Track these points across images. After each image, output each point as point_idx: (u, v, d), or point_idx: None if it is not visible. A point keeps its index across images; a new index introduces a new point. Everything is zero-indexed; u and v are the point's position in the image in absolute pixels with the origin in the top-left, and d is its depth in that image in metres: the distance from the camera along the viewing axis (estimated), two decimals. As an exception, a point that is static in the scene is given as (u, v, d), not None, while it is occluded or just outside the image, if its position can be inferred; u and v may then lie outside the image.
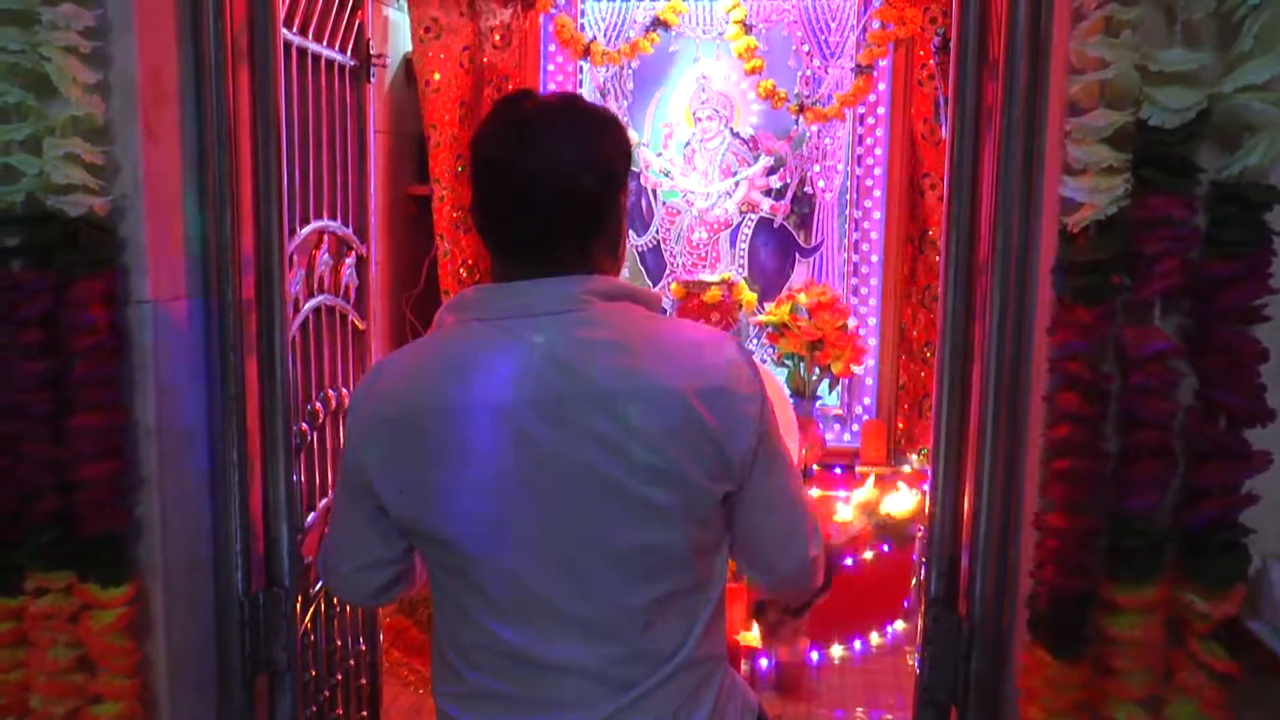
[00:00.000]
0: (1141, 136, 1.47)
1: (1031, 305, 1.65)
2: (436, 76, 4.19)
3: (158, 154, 1.79)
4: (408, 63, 4.32)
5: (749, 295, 4.37)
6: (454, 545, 1.28)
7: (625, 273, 4.46)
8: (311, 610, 2.25)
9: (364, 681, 2.60)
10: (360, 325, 2.48)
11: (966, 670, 1.78)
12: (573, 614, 1.27)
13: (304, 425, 2.20)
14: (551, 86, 4.36)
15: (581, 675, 1.29)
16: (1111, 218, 1.47)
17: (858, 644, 3.82)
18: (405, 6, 4.20)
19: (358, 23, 2.36)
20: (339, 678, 2.44)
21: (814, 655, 3.64)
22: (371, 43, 2.43)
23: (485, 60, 4.32)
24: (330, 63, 2.27)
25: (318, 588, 2.27)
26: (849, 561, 3.73)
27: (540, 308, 1.26)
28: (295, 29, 2.07)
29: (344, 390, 2.41)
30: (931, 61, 4.11)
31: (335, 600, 2.38)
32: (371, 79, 2.45)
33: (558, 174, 1.25)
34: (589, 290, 1.27)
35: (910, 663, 3.44)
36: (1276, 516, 1.52)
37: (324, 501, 2.31)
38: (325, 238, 2.28)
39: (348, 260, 2.40)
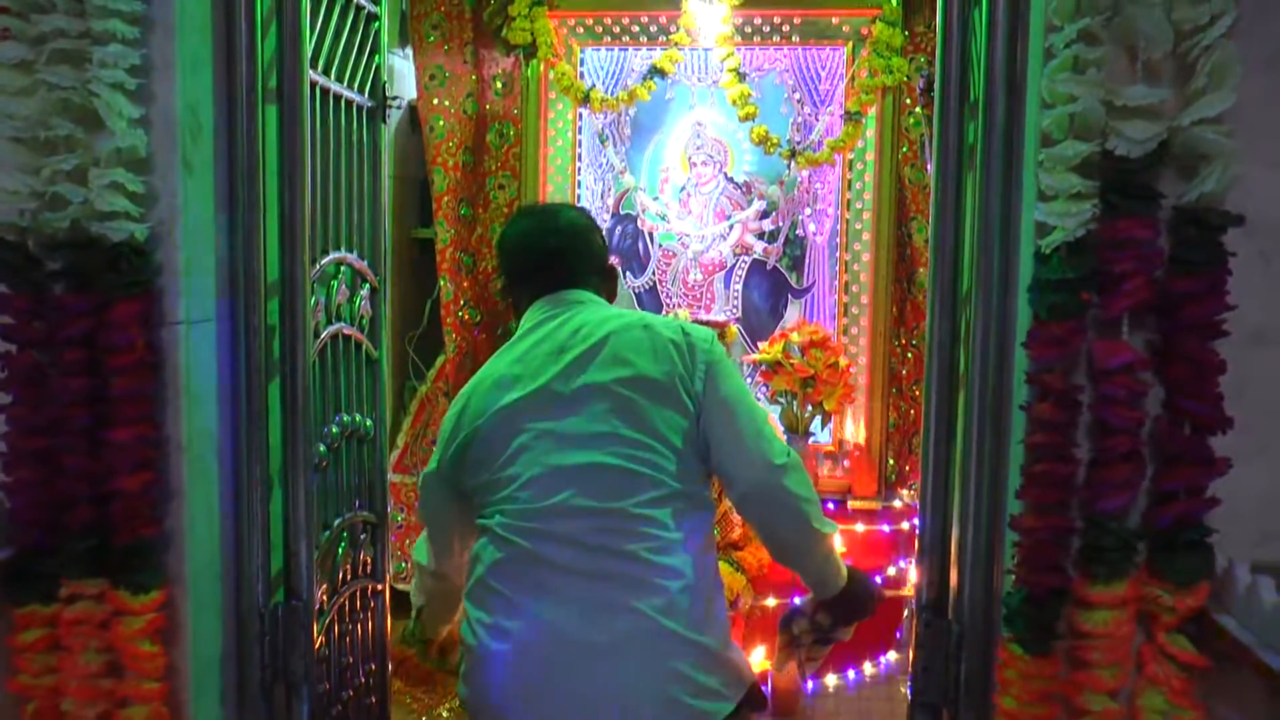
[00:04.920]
0: (1108, 165, 1.61)
1: (1012, 324, 1.77)
2: (440, 122, 4.34)
3: (193, 184, 1.91)
4: (412, 109, 4.48)
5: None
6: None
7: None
8: (324, 626, 2.33)
9: (374, 700, 2.67)
10: (374, 354, 2.58)
11: (957, 671, 1.88)
12: None
13: (321, 446, 2.30)
14: (552, 133, 4.51)
15: None
16: (1081, 239, 1.60)
17: (851, 674, 3.89)
18: (410, 55, 4.36)
19: (375, 65, 2.49)
20: (350, 694, 2.51)
21: (810, 684, 3.71)
22: (386, 85, 2.56)
23: (487, 107, 4.47)
24: (349, 103, 2.40)
25: (332, 602, 2.35)
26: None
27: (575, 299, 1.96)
28: (319, 70, 2.20)
29: (358, 415, 2.51)
30: (918, 108, 4.26)
31: (347, 617, 2.47)
32: (386, 120, 2.58)
33: (578, 232, 2.01)
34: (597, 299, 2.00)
35: (903, 690, 3.52)
36: (1242, 522, 1.64)
37: (338, 521, 2.40)
38: (342, 268, 2.39)
39: (363, 291, 2.51)
